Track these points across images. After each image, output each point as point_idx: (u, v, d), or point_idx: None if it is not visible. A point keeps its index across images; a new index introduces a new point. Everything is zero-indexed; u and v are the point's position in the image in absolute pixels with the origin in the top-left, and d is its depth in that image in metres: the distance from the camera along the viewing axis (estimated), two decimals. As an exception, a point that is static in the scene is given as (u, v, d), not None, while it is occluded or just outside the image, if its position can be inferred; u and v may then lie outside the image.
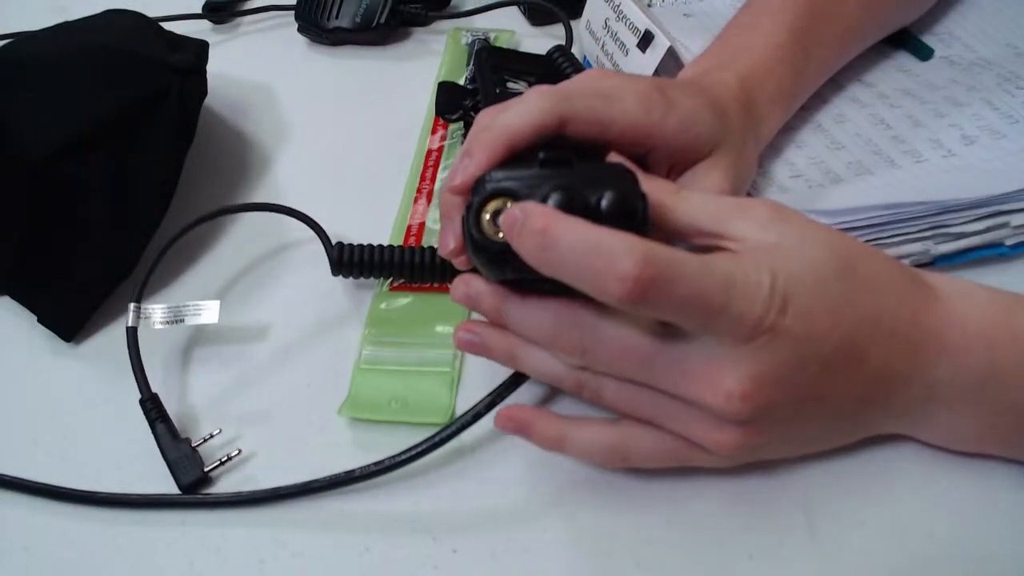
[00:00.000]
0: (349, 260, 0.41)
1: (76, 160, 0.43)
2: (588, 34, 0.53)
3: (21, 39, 0.52)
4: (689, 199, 0.31)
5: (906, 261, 0.41)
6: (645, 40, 0.47)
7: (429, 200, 0.48)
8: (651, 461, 0.33)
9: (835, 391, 0.31)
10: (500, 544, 0.34)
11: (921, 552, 0.33)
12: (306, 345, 0.42)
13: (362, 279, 0.43)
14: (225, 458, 0.37)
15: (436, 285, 0.42)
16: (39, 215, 0.43)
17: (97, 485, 0.37)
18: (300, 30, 0.62)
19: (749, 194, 0.44)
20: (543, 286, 0.30)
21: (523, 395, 0.37)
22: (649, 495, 0.35)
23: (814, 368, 0.30)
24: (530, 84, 0.48)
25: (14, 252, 0.43)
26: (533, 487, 0.36)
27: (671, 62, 0.46)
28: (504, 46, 0.59)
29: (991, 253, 0.42)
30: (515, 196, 0.30)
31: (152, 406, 0.38)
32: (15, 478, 0.37)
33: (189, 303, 0.41)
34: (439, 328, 0.42)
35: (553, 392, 0.39)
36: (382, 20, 0.60)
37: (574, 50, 0.52)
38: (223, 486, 0.37)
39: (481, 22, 0.62)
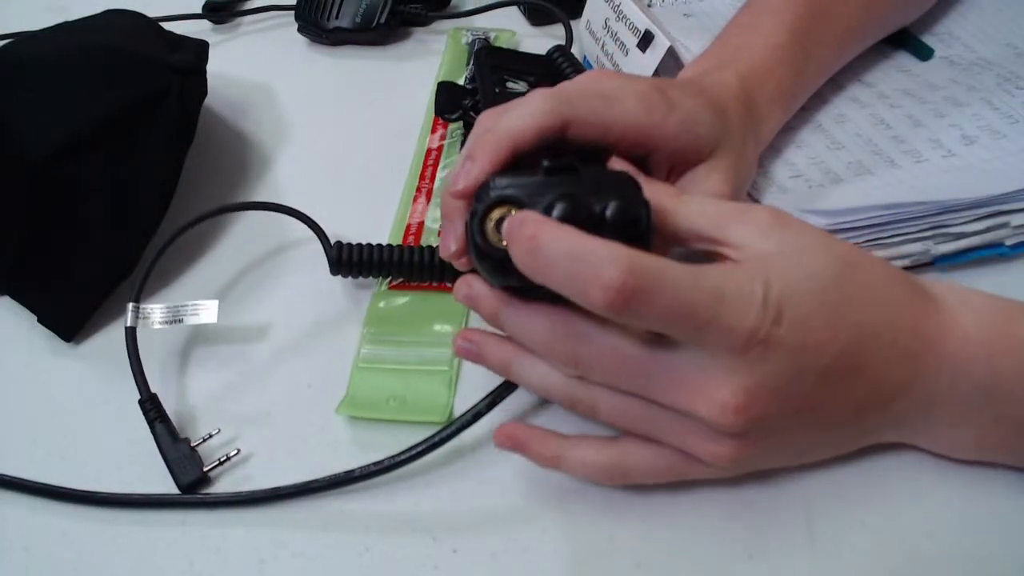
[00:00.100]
0: (348, 259, 0.41)
1: (76, 160, 0.43)
2: (588, 34, 0.53)
3: (21, 39, 0.52)
4: (689, 204, 0.31)
5: (906, 261, 0.41)
6: (645, 40, 0.47)
7: (428, 199, 0.48)
8: (650, 477, 0.33)
9: (834, 401, 0.31)
10: (500, 544, 0.34)
11: (921, 553, 0.33)
12: (305, 345, 0.42)
13: (361, 278, 0.43)
14: (224, 458, 0.37)
15: (435, 284, 0.42)
16: (39, 215, 0.43)
17: (97, 485, 0.37)
18: (300, 30, 0.62)
19: (749, 194, 0.44)
20: (544, 295, 0.30)
21: (523, 395, 0.37)
22: (649, 496, 0.35)
23: (812, 378, 0.30)
24: (530, 84, 0.48)
25: (14, 252, 0.43)
26: (533, 487, 0.36)
27: (671, 62, 0.46)
28: (504, 46, 0.59)
29: (991, 253, 0.42)
30: (519, 204, 0.30)
31: (151, 406, 0.38)
32: (15, 478, 0.37)
33: (188, 303, 0.41)
34: (437, 327, 0.42)
35: (553, 392, 0.39)
36: (382, 20, 0.60)
37: (574, 50, 0.52)
38: (222, 486, 0.37)
39: (481, 22, 0.62)
